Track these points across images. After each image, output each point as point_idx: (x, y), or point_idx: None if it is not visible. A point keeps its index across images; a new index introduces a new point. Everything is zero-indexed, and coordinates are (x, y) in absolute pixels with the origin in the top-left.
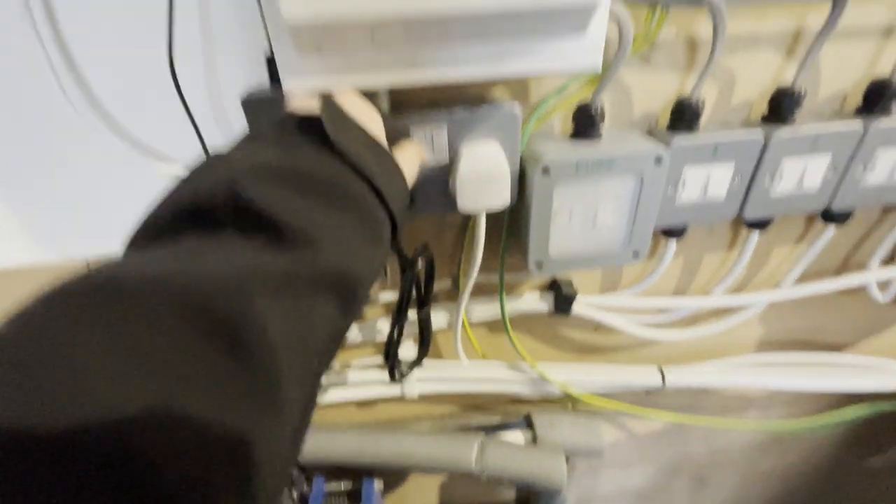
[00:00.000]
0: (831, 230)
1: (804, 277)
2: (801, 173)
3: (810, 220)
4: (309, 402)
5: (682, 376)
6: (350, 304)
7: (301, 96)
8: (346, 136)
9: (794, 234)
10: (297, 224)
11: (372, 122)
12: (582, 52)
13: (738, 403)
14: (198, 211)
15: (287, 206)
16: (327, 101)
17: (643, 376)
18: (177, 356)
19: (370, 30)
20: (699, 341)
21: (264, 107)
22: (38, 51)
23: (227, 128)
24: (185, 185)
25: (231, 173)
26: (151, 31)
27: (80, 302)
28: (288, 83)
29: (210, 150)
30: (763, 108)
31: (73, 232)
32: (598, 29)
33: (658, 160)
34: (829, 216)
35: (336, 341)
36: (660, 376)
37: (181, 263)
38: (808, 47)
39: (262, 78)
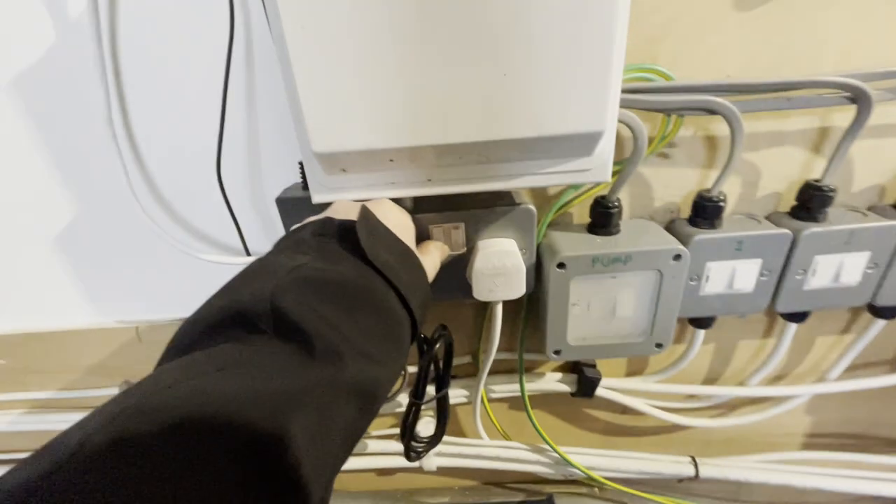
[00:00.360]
0: (881, 322)
1: (854, 368)
2: (836, 269)
3: (857, 309)
4: (325, 497)
5: (718, 469)
6: (370, 407)
7: (340, 203)
8: (377, 246)
9: (838, 324)
10: (328, 337)
11: (402, 227)
12: (591, 167)
13: (789, 495)
14: (240, 317)
15: (319, 318)
16: (364, 212)
17: (674, 466)
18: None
19: (389, 156)
20: (738, 429)
21: (296, 205)
22: (114, 151)
23: (266, 217)
24: (231, 291)
25: (272, 284)
26: (207, 134)
27: (126, 432)
28: (316, 198)
29: (251, 251)
30: (791, 199)
31: (127, 301)
32: (606, 147)
33: (677, 257)
34: (875, 311)
35: (354, 440)
36: (692, 467)
37: (222, 380)
38: (837, 144)
39: (297, 177)
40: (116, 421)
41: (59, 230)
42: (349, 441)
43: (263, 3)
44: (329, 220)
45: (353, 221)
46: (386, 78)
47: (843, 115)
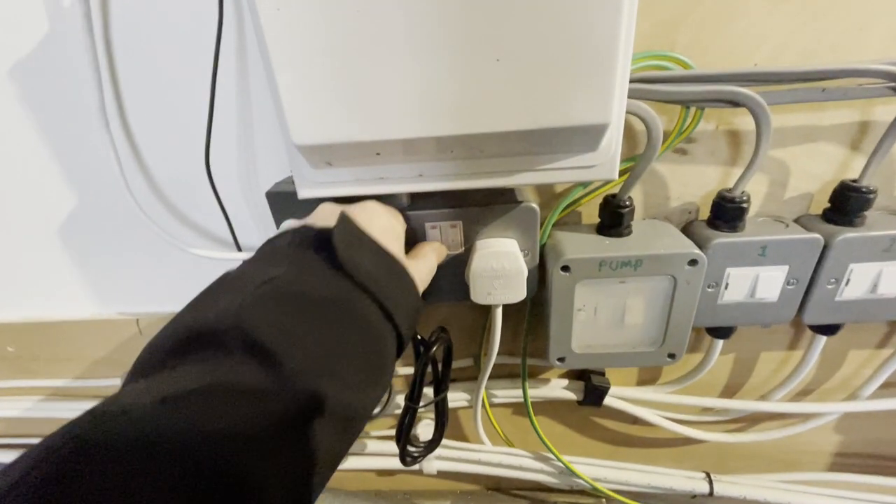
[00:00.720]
0: None
1: (889, 385)
2: (874, 279)
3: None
4: None
5: (735, 487)
6: (348, 431)
7: (322, 208)
8: (357, 254)
9: (874, 337)
10: (298, 359)
11: (389, 231)
12: (596, 163)
13: None
14: (205, 337)
15: (290, 338)
16: (343, 218)
17: (687, 482)
18: None
19: (375, 149)
20: (758, 445)
21: (286, 200)
22: (108, 145)
23: (261, 210)
24: (198, 308)
25: (240, 300)
26: (202, 125)
27: (64, 467)
28: (302, 193)
29: (245, 246)
30: (824, 201)
31: (128, 293)
32: (613, 141)
33: (693, 262)
34: None
35: (333, 465)
36: (707, 484)
37: (178, 411)
38: (878, 140)
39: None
40: (57, 455)
41: (61, 221)
42: (327, 465)
43: None
44: (307, 227)
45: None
46: (369, 64)
47: (886, 109)
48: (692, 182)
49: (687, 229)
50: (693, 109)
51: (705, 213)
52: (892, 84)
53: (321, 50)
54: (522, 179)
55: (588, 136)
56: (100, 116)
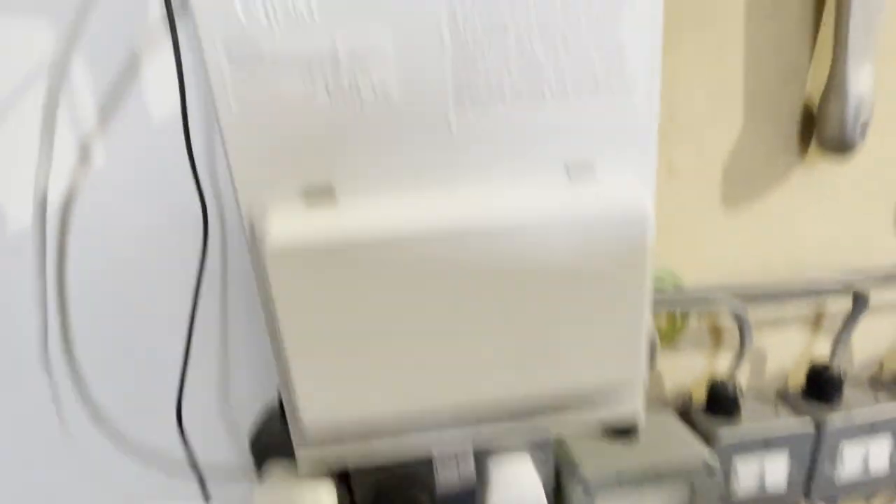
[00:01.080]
0: None
1: None
2: (864, 456)
3: None
4: None
5: None
6: None
7: None
8: None
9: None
10: None
11: None
12: (621, 407)
13: None
14: None
15: None
16: None
17: None
18: None
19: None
20: None
21: (272, 449)
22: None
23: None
24: None
25: None
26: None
27: None
28: (304, 462)
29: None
30: (800, 375)
31: None
32: (638, 387)
33: (710, 472)
34: None
35: None
36: None
37: None
38: (838, 332)
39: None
40: None
41: None
42: None
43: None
44: None
45: None
46: (394, 341)
47: (834, 301)
48: (683, 372)
49: (687, 418)
50: (680, 317)
51: (698, 397)
52: (836, 287)
53: (343, 332)
54: (551, 432)
55: (616, 389)
56: (40, 352)
